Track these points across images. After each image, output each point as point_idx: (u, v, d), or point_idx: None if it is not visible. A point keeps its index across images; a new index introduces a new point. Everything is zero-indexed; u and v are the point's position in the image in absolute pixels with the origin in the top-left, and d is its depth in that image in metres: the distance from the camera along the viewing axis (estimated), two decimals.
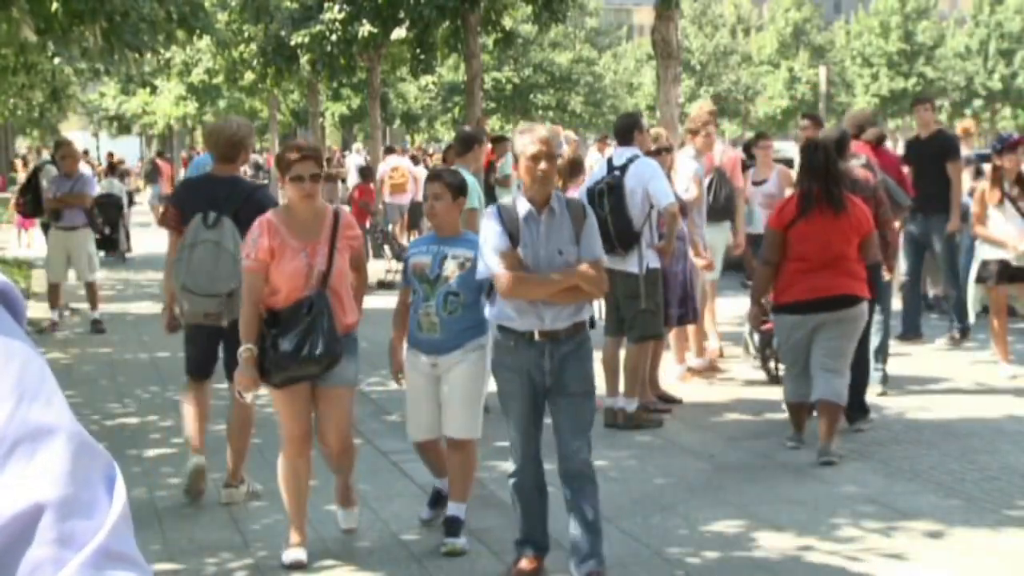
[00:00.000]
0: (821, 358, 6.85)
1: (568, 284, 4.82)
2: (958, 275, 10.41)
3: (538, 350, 4.89)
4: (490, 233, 4.90)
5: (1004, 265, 8.76)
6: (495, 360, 5.11)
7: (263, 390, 5.31)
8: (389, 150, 24.41)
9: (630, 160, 7.53)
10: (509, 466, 5.17)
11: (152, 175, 30.18)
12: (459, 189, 5.48)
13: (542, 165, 4.83)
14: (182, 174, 38.70)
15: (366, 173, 16.92)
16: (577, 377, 4.95)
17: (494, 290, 4.96)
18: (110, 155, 28.83)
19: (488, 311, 5.06)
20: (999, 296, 8.89)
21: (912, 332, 10.44)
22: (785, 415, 7.37)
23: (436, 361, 5.33)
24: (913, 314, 10.48)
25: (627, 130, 7.78)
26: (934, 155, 10.29)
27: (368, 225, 16.07)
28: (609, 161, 7.80)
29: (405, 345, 5.50)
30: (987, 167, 9.74)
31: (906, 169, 10.39)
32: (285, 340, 5.01)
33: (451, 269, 5.28)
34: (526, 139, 4.88)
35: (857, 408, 7.43)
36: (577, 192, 7.97)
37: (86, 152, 24.79)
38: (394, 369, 5.61)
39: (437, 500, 5.74)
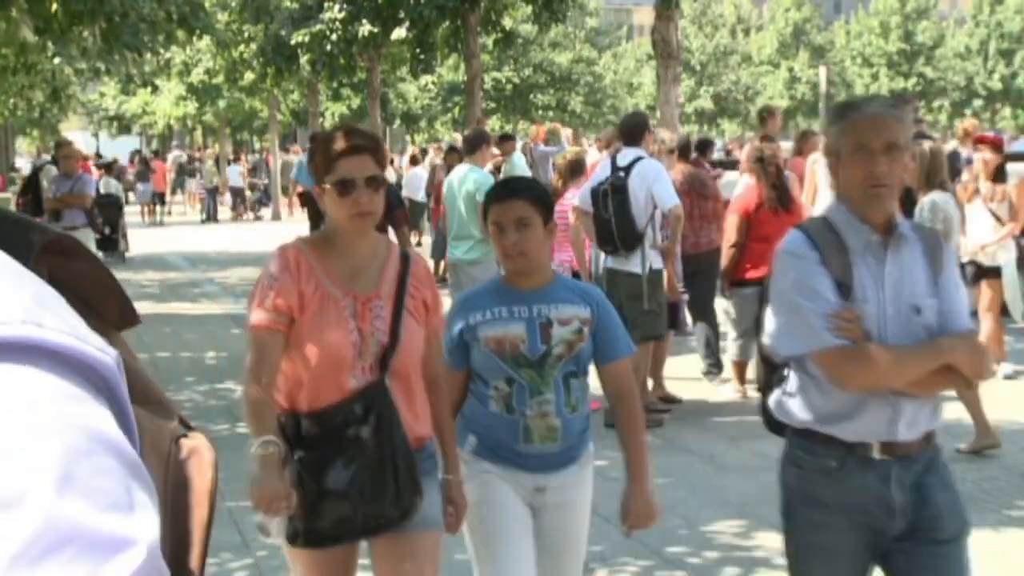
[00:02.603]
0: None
1: (940, 363, 2.94)
2: None
3: (879, 475, 2.94)
4: (805, 278, 2.90)
5: (976, 266, 8.74)
6: (793, 495, 3.07)
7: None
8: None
9: (635, 161, 7.50)
10: None
11: (144, 174, 30.35)
12: (551, 209, 3.40)
13: (880, 166, 2.82)
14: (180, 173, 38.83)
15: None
16: (952, 512, 3.01)
17: (793, 373, 3.03)
18: (97, 155, 28.87)
19: (780, 409, 3.07)
20: (985, 295, 8.82)
21: None
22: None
23: (545, 485, 3.36)
24: None
25: (635, 130, 7.72)
26: None
27: None
28: (613, 161, 7.73)
29: (467, 457, 3.39)
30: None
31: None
32: (322, 470, 2.96)
33: (566, 340, 3.31)
34: (847, 122, 2.89)
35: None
36: (578, 192, 7.95)
37: (100, 155, 24.76)
38: (460, 509, 3.32)
39: None
